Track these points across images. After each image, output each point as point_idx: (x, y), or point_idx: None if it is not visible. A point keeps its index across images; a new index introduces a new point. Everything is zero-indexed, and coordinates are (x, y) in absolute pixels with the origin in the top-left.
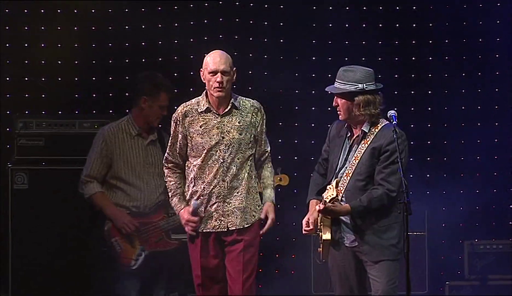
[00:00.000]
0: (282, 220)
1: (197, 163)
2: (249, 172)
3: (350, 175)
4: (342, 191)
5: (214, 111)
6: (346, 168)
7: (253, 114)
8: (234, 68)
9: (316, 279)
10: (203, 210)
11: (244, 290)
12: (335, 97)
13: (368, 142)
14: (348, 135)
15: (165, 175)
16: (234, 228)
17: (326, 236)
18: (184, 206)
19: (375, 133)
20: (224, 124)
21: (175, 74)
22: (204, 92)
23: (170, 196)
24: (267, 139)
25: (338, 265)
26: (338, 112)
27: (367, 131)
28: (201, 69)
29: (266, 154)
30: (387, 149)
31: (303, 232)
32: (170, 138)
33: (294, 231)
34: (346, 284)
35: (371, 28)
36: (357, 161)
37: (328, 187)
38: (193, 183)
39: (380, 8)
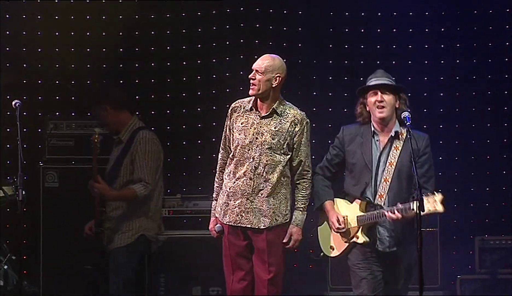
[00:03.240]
0: None
1: (233, 157)
2: (280, 177)
3: (391, 176)
4: (385, 193)
5: (257, 112)
6: (384, 170)
7: (292, 123)
8: (277, 74)
9: (333, 274)
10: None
11: (268, 290)
12: (379, 93)
13: (402, 144)
14: (376, 139)
15: (216, 173)
16: (250, 226)
17: (365, 238)
18: (215, 216)
19: (405, 134)
20: (261, 126)
21: (198, 77)
22: None
23: (213, 197)
24: (309, 154)
25: (368, 264)
26: (381, 108)
27: (399, 131)
28: None
29: (302, 165)
30: (426, 152)
31: (336, 230)
32: (223, 132)
33: (312, 227)
34: (372, 283)
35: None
36: (395, 162)
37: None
38: (228, 176)
39: (395, 14)
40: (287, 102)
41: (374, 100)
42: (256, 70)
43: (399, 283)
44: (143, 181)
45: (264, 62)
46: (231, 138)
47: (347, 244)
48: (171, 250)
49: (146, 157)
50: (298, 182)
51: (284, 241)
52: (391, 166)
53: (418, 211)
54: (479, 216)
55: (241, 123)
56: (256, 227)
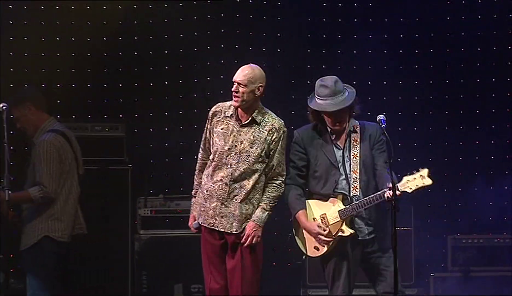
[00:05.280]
0: (279, 216)
1: (213, 161)
2: (255, 184)
3: (358, 167)
4: (358, 184)
5: (238, 119)
6: (350, 163)
7: (270, 132)
8: (259, 84)
9: (310, 271)
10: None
11: (243, 290)
12: (333, 115)
13: (359, 135)
14: (332, 138)
15: (196, 171)
16: (222, 230)
17: (350, 230)
18: (193, 213)
19: (358, 126)
20: (240, 134)
21: (180, 82)
22: None
23: (192, 193)
24: (283, 161)
25: (347, 258)
26: (337, 125)
27: (354, 124)
28: None
29: (272, 171)
30: (382, 138)
31: (323, 241)
32: (203, 133)
33: (290, 226)
34: (350, 277)
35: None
36: (358, 154)
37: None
38: (207, 178)
39: (371, 20)
40: (267, 110)
41: (329, 121)
42: (239, 83)
43: (380, 265)
44: (41, 184)
45: (246, 74)
46: (211, 142)
47: (331, 241)
48: (154, 248)
49: (43, 161)
50: (266, 185)
51: (242, 235)
52: (355, 158)
53: (393, 210)
54: (452, 215)
55: (221, 129)
56: (229, 231)
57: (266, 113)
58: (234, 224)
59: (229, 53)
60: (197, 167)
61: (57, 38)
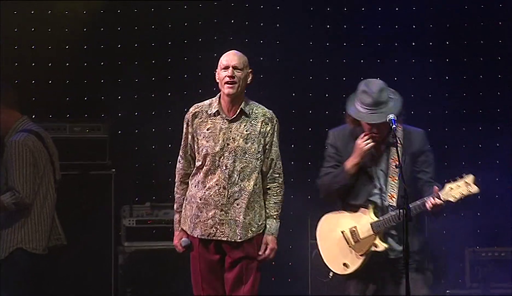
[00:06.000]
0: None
1: (201, 166)
2: (255, 185)
3: (397, 181)
4: (395, 193)
5: (224, 115)
6: (388, 168)
7: (263, 123)
8: (250, 70)
9: (313, 288)
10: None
11: None
12: (369, 126)
13: (401, 148)
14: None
15: (175, 183)
16: (225, 239)
17: (385, 245)
18: (181, 228)
19: (401, 137)
20: (231, 131)
21: (169, 77)
22: (218, 95)
23: (175, 209)
24: (279, 155)
25: (373, 278)
26: (374, 136)
27: (399, 135)
28: (216, 69)
29: (273, 166)
30: (425, 149)
31: (366, 146)
32: (182, 140)
33: (290, 238)
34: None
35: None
36: (397, 169)
37: None
38: (197, 187)
39: (379, 8)
40: (253, 101)
41: (367, 128)
42: (235, 68)
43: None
44: (14, 190)
45: (240, 57)
46: (196, 147)
47: (363, 257)
48: (140, 262)
49: (14, 163)
50: (269, 186)
51: (260, 252)
52: (393, 172)
53: (404, 221)
54: (470, 226)
55: (207, 130)
56: (232, 240)
57: (253, 104)
58: (238, 231)
59: (222, 45)
60: (177, 178)
61: (32, 29)
